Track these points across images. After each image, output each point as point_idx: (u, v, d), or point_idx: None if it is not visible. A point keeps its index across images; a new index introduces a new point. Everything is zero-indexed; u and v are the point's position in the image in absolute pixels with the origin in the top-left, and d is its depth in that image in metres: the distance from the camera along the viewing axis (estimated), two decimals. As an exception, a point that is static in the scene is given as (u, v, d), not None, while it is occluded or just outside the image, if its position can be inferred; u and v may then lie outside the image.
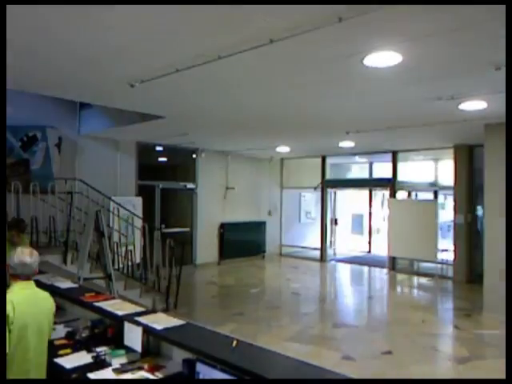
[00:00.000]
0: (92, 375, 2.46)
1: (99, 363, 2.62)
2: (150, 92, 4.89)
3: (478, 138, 7.09)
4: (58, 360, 2.68)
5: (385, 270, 10.44)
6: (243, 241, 11.63)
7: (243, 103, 5.64)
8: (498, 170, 6.03)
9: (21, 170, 7.40)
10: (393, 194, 10.56)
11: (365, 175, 12.57)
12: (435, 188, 10.41)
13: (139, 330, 2.67)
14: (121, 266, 6.84)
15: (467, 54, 3.58)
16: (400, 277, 10.07)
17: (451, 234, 9.63)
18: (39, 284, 2.77)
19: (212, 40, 3.27)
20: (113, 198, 7.67)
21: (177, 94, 5.14)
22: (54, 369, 2.59)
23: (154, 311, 3.54)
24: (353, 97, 5.17)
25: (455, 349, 5.54)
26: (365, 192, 13.74)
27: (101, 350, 2.78)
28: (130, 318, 2.89)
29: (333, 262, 11.97)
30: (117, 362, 2.63)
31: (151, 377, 2.44)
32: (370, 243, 13.77)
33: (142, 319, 2.87)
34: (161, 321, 2.88)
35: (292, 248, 12.85)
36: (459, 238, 9.27)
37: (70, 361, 2.67)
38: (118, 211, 7.20)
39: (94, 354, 2.72)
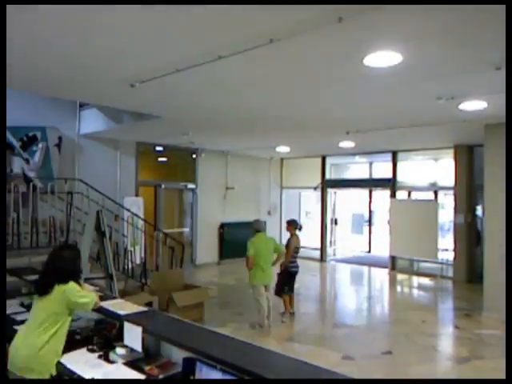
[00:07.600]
0: (94, 374, 2.46)
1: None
2: (150, 92, 4.89)
3: (478, 138, 7.09)
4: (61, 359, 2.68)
5: (385, 270, 10.44)
6: (243, 241, 11.59)
7: (243, 103, 5.64)
8: (498, 169, 6.02)
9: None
10: (393, 194, 10.55)
11: (365, 175, 12.56)
12: (435, 188, 10.41)
13: (139, 329, 2.67)
14: (125, 266, 6.88)
15: (467, 54, 3.58)
16: (400, 277, 10.07)
17: (451, 233, 9.64)
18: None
19: (212, 40, 3.27)
20: (118, 198, 7.68)
21: (177, 94, 5.14)
22: (56, 368, 2.59)
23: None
24: (353, 97, 5.16)
25: (455, 349, 5.54)
26: (365, 192, 13.72)
27: (102, 349, 2.79)
28: (130, 317, 2.89)
29: (333, 262, 11.97)
30: (118, 362, 2.63)
31: (151, 376, 2.44)
32: (369, 243, 13.76)
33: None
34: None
35: (292, 248, 12.79)
36: (459, 238, 9.27)
37: (72, 360, 2.67)
38: (133, 220, 7.26)
39: (96, 354, 2.73)
